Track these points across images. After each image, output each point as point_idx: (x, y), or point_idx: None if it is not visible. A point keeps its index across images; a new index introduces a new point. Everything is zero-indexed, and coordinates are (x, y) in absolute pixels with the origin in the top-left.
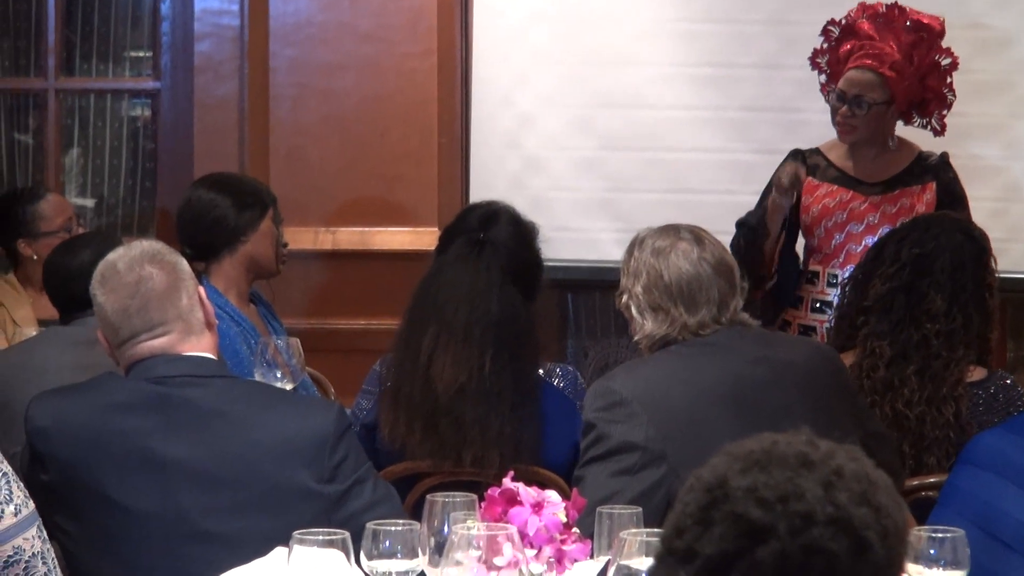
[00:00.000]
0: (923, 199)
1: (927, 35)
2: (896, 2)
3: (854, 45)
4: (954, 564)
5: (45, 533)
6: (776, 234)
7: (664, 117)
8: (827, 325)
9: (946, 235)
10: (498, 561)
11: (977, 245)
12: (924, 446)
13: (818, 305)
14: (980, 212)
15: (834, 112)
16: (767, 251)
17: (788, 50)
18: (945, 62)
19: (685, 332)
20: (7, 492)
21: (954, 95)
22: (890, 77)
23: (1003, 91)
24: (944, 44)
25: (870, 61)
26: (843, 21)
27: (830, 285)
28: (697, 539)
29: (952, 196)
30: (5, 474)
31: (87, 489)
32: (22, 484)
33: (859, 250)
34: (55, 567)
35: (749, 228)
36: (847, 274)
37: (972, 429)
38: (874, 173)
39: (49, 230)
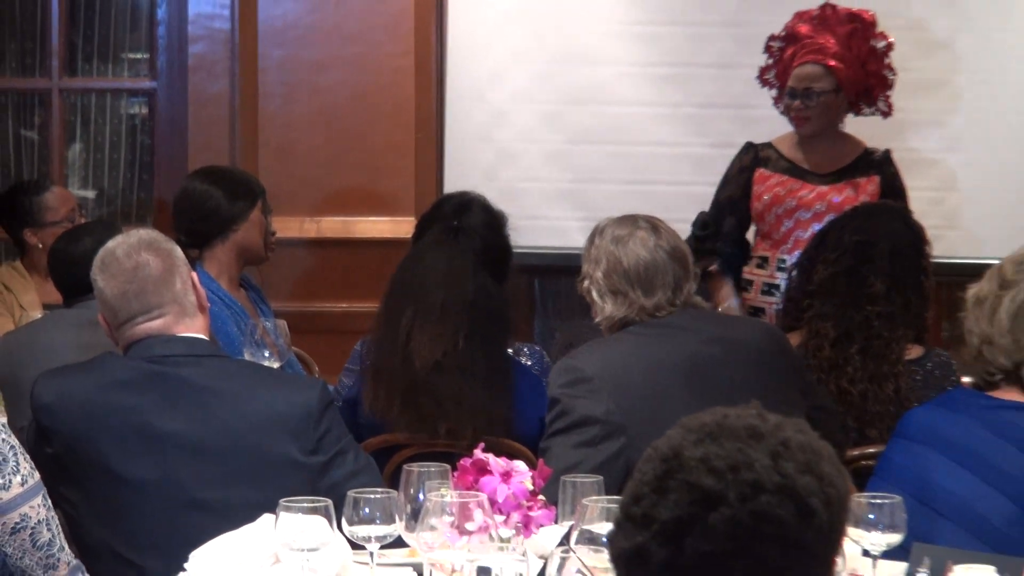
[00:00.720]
0: (867, 190)
1: (861, 24)
2: (827, 2)
3: (796, 48)
4: (892, 528)
5: (50, 502)
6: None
7: (627, 113)
8: (776, 307)
9: (885, 223)
10: (469, 526)
11: (914, 232)
12: (867, 420)
13: (767, 288)
14: (918, 201)
15: (788, 108)
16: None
17: (742, 50)
18: (881, 45)
19: (643, 314)
20: (14, 464)
21: (894, 74)
22: (834, 66)
23: (940, 89)
24: (891, 43)
25: (813, 55)
26: (783, 33)
27: (779, 269)
28: (653, 506)
29: (893, 189)
30: (13, 447)
31: (89, 461)
32: (28, 456)
33: (806, 236)
34: (59, 533)
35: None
36: (795, 259)
37: (911, 404)
38: (822, 165)
39: (53, 220)
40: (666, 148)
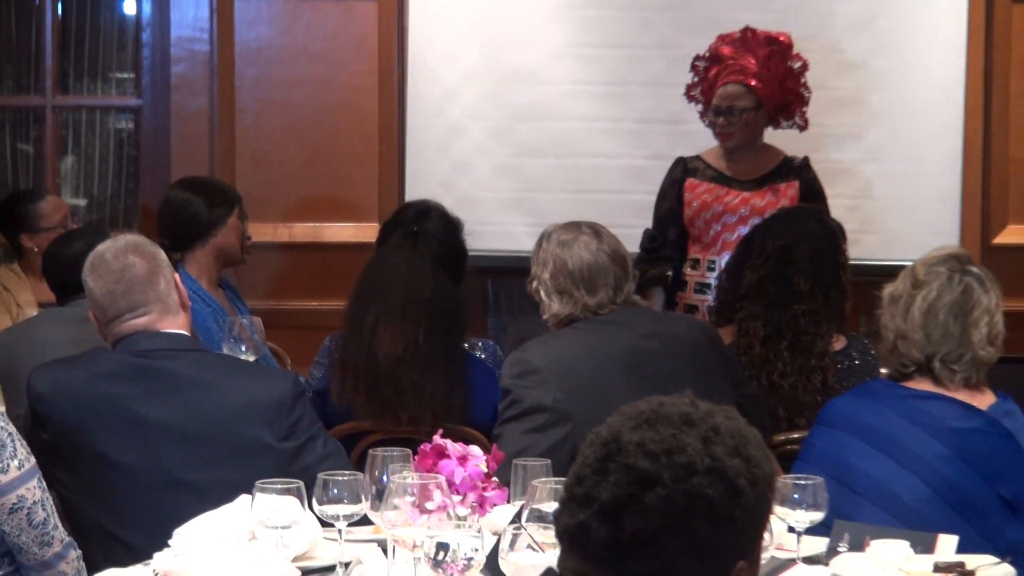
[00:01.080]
0: (787, 194)
1: (779, 47)
2: (747, 26)
3: (720, 68)
4: (814, 507)
5: (44, 484)
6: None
7: (570, 128)
8: (708, 304)
9: (803, 226)
10: (429, 505)
11: (831, 232)
12: (797, 410)
13: (700, 287)
14: (838, 208)
15: (713, 125)
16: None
17: (674, 70)
18: (797, 66)
19: (586, 311)
20: (12, 449)
21: (809, 92)
22: (754, 86)
23: (857, 105)
24: (806, 63)
25: (735, 76)
26: (707, 54)
27: (709, 269)
28: (595, 486)
29: (812, 192)
30: (10, 434)
31: (80, 446)
32: (24, 442)
33: (733, 239)
34: (53, 512)
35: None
36: (724, 260)
37: (838, 392)
38: (746, 173)
39: (48, 226)
40: (607, 160)
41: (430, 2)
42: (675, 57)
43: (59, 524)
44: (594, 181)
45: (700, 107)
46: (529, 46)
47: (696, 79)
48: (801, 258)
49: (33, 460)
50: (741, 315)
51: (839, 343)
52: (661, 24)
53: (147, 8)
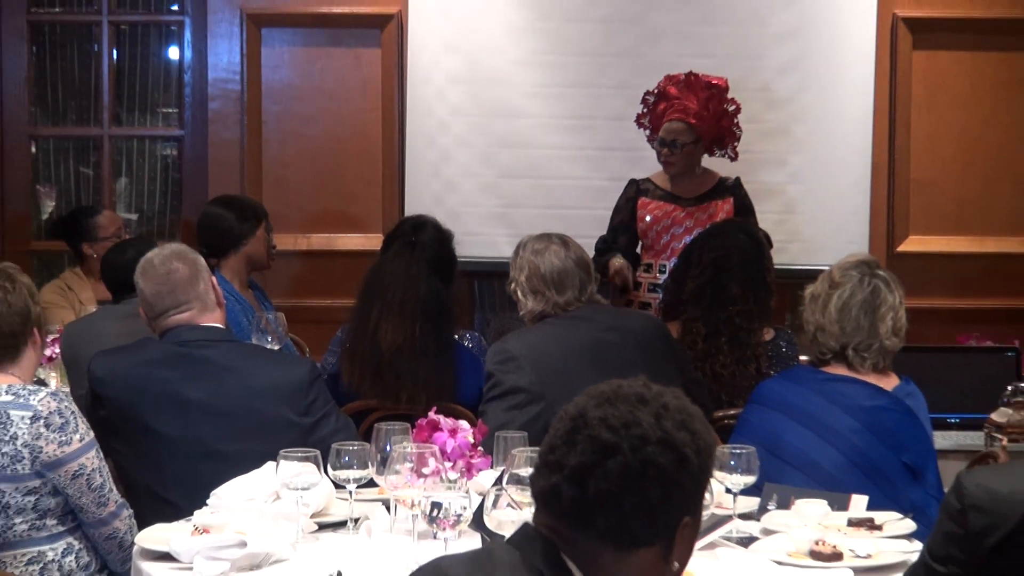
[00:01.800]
0: (724, 209)
1: (717, 91)
2: (691, 71)
3: (666, 105)
4: (747, 472)
5: (101, 454)
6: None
7: (543, 155)
8: (659, 302)
9: (733, 239)
10: (425, 471)
11: (756, 241)
12: (736, 393)
13: (652, 287)
14: (766, 222)
15: (659, 153)
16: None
17: (630, 107)
18: (731, 108)
19: (556, 308)
20: (74, 425)
21: (740, 130)
22: (694, 123)
23: (784, 136)
24: (741, 102)
25: (679, 114)
26: (656, 91)
27: (660, 272)
28: (565, 454)
29: (744, 207)
30: (73, 412)
31: (132, 421)
32: (84, 418)
33: (680, 246)
34: (108, 478)
35: (599, 265)
36: (672, 264)
37: (767, 377)
38: (689, 192)
39: (104, 236)
40: (573, 182)
41: (425, 50)
42: (630, 96)
43: (113, 488)
44: (562, 199)
45: (648, 132)
46: (508, 86)
47: (645, 110)
48: (733, 267)
49: (92, 434)
50: (685, 317)
51: (768, 335)
52: (618, 68)
53: (188, 54)
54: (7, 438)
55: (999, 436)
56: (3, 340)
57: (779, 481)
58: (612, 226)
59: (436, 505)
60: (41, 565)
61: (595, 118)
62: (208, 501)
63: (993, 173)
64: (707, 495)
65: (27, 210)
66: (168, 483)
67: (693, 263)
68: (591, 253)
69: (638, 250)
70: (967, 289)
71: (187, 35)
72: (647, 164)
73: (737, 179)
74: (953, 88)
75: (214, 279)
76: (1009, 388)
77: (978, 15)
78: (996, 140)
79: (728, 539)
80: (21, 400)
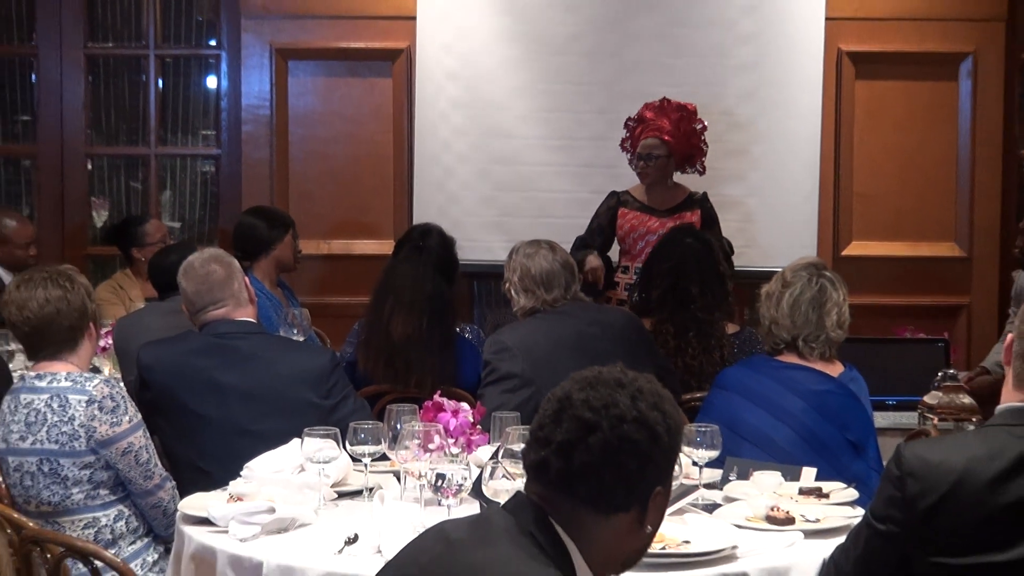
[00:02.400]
0: (692, 219)
1: (686, 113)
2: (664, 97)
3: (643, 127)
4: (711, 447)
5: (148, 432)
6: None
7: (533, 171)
8: (630, 306)
9: (681, 244)
10: (431, 446)
11: (705, 243)
12: (704, 379)
13: (628, 287)
14: (729, 230)
15: (636, 167)
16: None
17: (610, 129)
18: (699, 127)
19: (545, 305)
20: (124, 408)
21: (707, 146)
22: (667, 140)
23: (743, 155)
24: (706, 122)
25: (654, 132)
26: (635, 117)
27: (635, 274)
28: (552, 432)
29: (710, 218)
30: (123, 396)
31: (174, 403)
32: (132, 402)
33: None
34: (154, 454)
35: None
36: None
37: (730, 364)
38: (662, 204)
39: (151, 242)
40: (559, 194)
41: (430, 80)
42: (609, 120)
43: (158, 463)
44: (550, 209)
45: (629, 155)
46: (503, 111)
47: (626, 134)
48: (688, 270)
49: (139, 416)
50: (654, 319)
51: (732, 329)
52: (599, 95)
53: (224, 83)
54: (66, 419)
55: (931, 416)
56: (63, 333)
57: (739, 455)
58: (591, 228)
59: (440, 476)
60: (95, 529)
61: (578, 139)
62: (241, 473)
63: (925, 187)
64: (676, 467)
65: (84, 219)
66: (206, 457)
67: (654, 274)
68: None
69: (617, 255)
70: (903, 288)
71: (223, 67)
72: (624, 180)
73: (704, 193)
74: (890, 113)
75: (247, 279)
76: (939, 374)
77: (912, 49)
78: (928, 158)
79: (695, 506)
80: (78, 386)
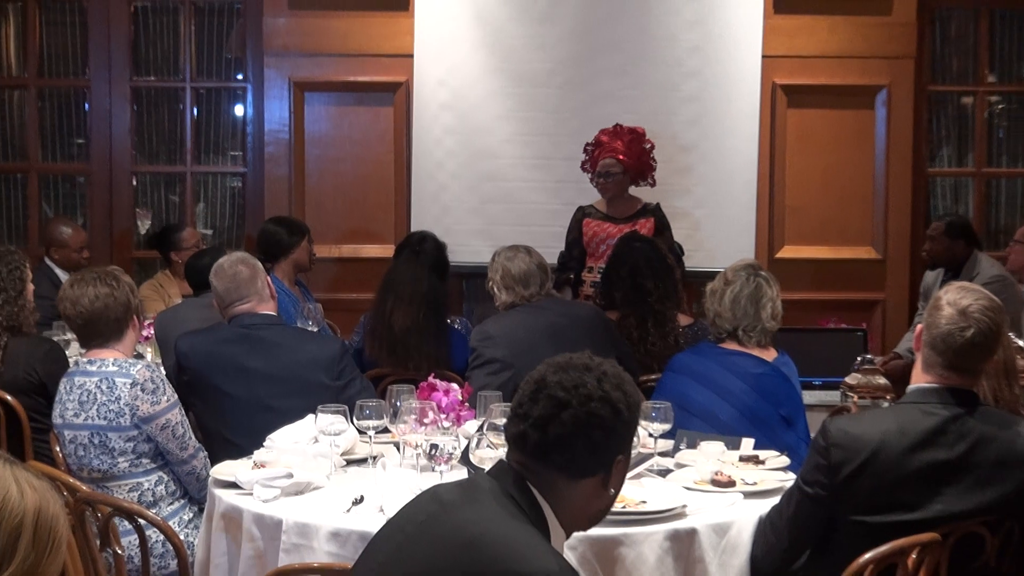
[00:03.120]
0: (646, 226)
1: (637, 135)
2: (618, 123)
3: (600, 149)
4: (664, 421)
5: (184, 411)
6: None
7: (515, 186)
8: (595, 300)
9: (632, 248)
10: (426, 420)
11: (652, 245)
12: (662, 362)
13: (593, 284)
14: (679, 236)
15: (597, 184)
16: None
17: (581, 151)
18: (648, 146)
19: (523, 300)
20: (163, 389)
21: (656, 162)
22: (622, 159)
23: (690, 172)
24: (658, 149)
25: (610, 153)
26: (593, 142)
27: (599, 273)
28: (530, 408)
29: (662, 225)
30: (163, 379)
31: (207, 384)
32: (170, 384)
33: None
34: (188, 428)
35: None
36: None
37: (683, 349)
38: (621, 213)
39: (187, 246)
40: (537, 206)
41: (426, 108)
42: (580, 142)
43: (192, 436)
44: (528, 219)
45: (589, 175)
46: (489, 135)
47: (587, 157)
48: (642, 270)
49: (176, 396)
50: (619, 315)
51: (686, 321)
52: (571, 121)
53: (250, 111)
54: (113, 399)
55: (851, 394)
56: (111, 325)
57: (688, 428)
58: (568, 243)
59: (434, 446)
60: (139, 492)
61: (553, 159)
62: (264, 443)
63: (846, 199)
64: (635, 438)
65: (129, 227)
66: (234, 430)
67: (613, 279)
68: (550, 260)
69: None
70: (827, 285)
71: (249, 97)
72: (590, 194)
73: (657, 204)
74: (817, 137)
75: (269, 278)
76: (858, 359)
77: (836, 82)
78: (848, 175)
79: (651, 471)
80: (123, 370)
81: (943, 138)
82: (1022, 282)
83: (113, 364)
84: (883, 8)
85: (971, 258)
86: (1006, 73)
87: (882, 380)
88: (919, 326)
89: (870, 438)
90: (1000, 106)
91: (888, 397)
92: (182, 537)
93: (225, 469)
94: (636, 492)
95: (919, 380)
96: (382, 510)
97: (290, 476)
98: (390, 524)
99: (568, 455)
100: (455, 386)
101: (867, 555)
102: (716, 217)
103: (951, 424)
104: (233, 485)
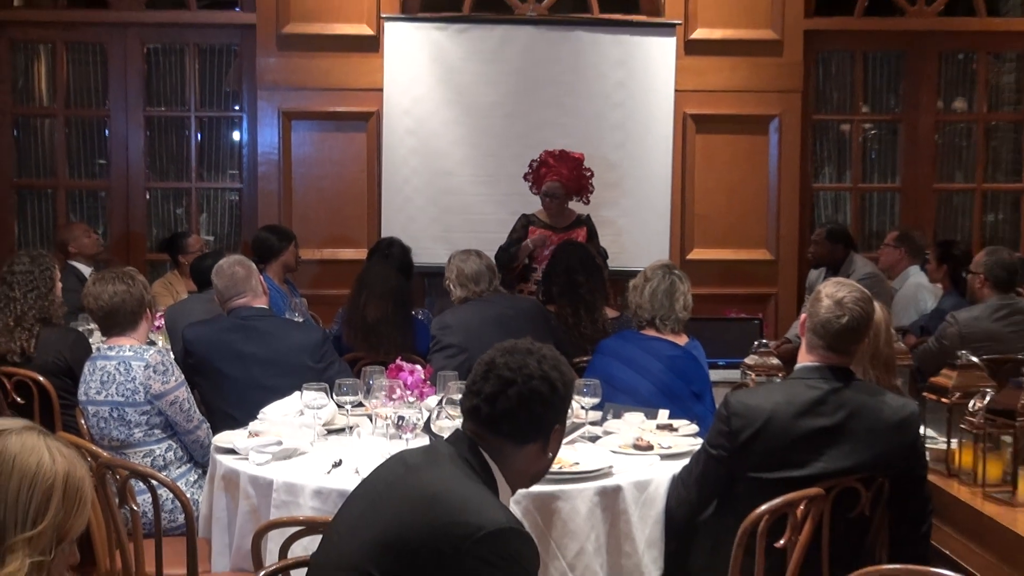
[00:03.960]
0: (580, 234)
1: (577, 161)
2: (563, 149)
3: (547, 169)
4: (594, 395)
5: (190, 389)
6: (521, 259)
7: (468, 199)
8: (537, 295)
9: (566, 252)
10: (394, 396)
11: (583, 248)
12: (592, 344)
13: (536, 283)
14: (606, 241)
15: (543, 201)
16: (515, 265)
17: (524, 169)
18: (588, 174)
19: (475, 295)
20: (172, 370)
21: (593, 187)
22: (565, 183)
23: (616, 187)
24: (589, 167)
25: (556, 177)
26: (538, 159)
27: (540, 275)
28: (482, 386)
29: (592, 232)
30: (172, 362)
31: (210, 366)
32: (177, 366)
33: None
34: (194, 404)
35: (508, 255)
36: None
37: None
38: (560, 223)
39: (192, 251)
40: (487, 216)
41: (394, 133)
42: (523, 161)
43: (197, 410)
44: (480, 227)
45: (531, 185)
46: (446, 157)
47: (529, 171)
48: (575, 267)
49: (183, 377)
50: (557, 305)
51: (614, 314)
52: (516, 145)
53: (246, 136)
54: (129, 379)
55: (749, 372)
56: (128, 316)
57: (614, 402)
58: (510, 239)
59: (401, 418)
60: (152, 458)
61: (500, 176)
62: (258, 416)
63: (745, 210)
64: (570, 411)
65: (143, 234)
66: (233, 406)
67: (552, 277)
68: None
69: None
70: (729, 282)
71: (245, 125)
72: (533, 204)
73: (588, 215)
74: (720, 158)
75: (261, 277)
76: (755, 343)
77: (736, 112)
78: (747, 190)
79: (583, 438)
80: (138, 355)
81: (825, 159)
82: (891, 278)
83: (129, 350)
84: (775, 50)
85: (848, 259)
86: (877, 104)
87: (775, 361)
88: (803, 315)
89: (764, 408)
90: (872, 132)
91: (780, 375)
92: (188, 495)
93: (225, 438)
94: (570, 455)
95: (804, 360)
96: (357, 471)
97: (280, 444)
98: (364, 483)
99: (513, 425)
100: (419, 367)
101: (763, 507)
102: (637, 225)
103: (831, 396)
104: (231, 451)
